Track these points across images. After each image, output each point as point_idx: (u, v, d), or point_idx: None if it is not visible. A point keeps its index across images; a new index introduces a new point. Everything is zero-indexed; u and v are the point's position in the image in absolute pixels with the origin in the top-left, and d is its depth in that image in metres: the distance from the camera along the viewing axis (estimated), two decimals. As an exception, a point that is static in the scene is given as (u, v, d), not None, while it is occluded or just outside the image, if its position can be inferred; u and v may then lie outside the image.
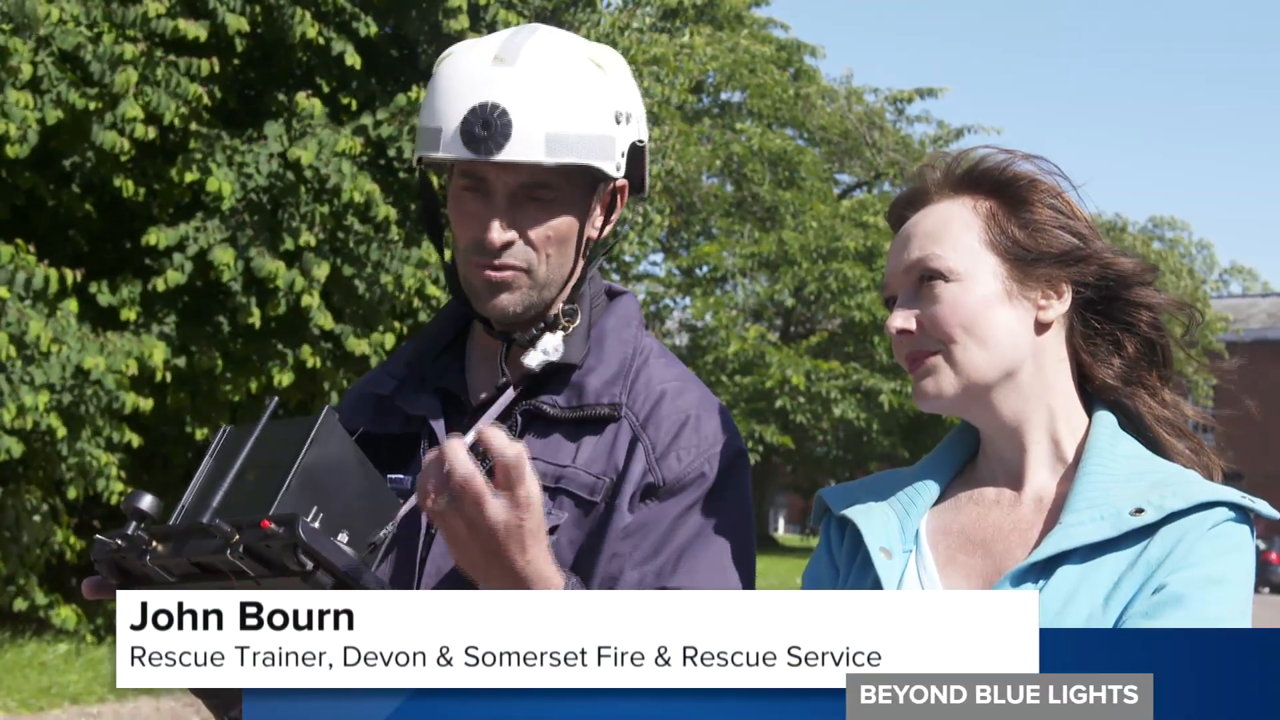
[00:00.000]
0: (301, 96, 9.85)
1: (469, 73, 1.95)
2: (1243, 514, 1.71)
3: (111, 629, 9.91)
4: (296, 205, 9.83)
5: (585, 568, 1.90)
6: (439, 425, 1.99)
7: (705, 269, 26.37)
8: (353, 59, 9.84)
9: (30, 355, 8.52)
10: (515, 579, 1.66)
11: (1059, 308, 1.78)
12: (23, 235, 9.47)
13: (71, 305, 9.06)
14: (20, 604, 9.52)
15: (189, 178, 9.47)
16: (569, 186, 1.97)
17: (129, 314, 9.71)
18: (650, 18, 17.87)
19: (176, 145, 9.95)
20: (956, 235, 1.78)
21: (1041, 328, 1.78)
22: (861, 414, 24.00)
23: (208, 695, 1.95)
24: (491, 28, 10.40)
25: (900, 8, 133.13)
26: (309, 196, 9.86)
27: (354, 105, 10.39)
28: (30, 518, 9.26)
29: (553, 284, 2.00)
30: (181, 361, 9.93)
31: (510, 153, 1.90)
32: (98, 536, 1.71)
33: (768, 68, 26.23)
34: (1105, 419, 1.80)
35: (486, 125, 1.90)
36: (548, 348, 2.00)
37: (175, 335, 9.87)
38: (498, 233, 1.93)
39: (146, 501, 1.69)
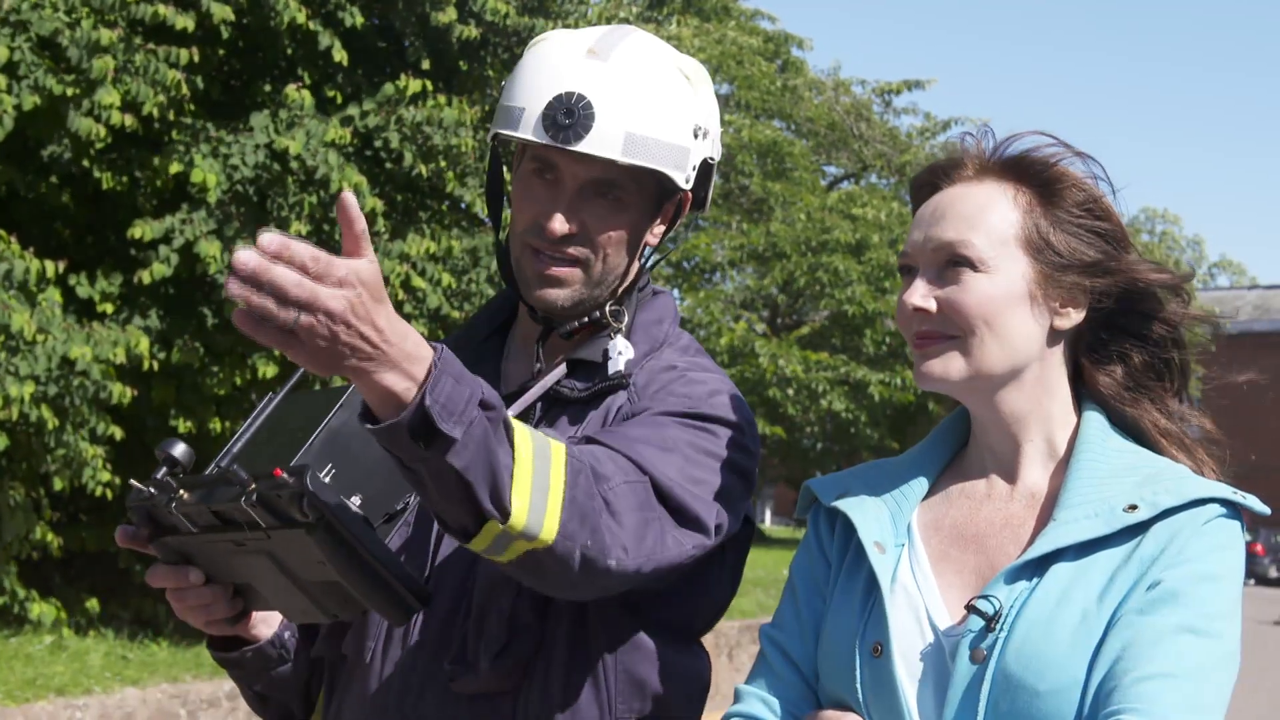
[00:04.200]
0: (291, 89, 9.79)
1: (560, 60, 1.93)
2: (1233, 509, 1.71)
3: (93, 624, 9.86)
4: (285, 196, 9.76)
5: None
6: None
7: (694, 261, 26.35)
8: (340, 54, 9.78)
9: (15, 346, 8.44)
10: (380, 349, 1.48)
11: (1075, 318, 1.76)
12: (4, 226, 9.39)
13: (56, 296, 8.99)
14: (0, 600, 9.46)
15: (173, 169, 9.38)
16: (637, 189, 1.97)
17: (105, 307, 9.63)
18: (637, 8, 17.84)
19: (158, 135, 9.87)
20: (993, 225, 1.74)
21: (1055, 334, 1.76)
22: (850, 406, 23.98)
23: (234, 665, 2.02)
24: (479, 19, 10.34)
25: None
26: (296, 187, 9.80)
27: (339, 99, 10.33)
28: (12, 513, 9.18)
29: (606, 283, 2.00)
30: (165, 355, 9.85)
31: (588, 145, 1.89)
32: (133, 483, 1.74)
33: (755, 59, 26.18)
34: (1094, 418, 1.78)
35: (570, 114, 1.88)
36: (621, 349, 2.00)
37: (159, 328, 9.80)
38: (560, 223, 1.93)
39: (179, 449, 1.70)
